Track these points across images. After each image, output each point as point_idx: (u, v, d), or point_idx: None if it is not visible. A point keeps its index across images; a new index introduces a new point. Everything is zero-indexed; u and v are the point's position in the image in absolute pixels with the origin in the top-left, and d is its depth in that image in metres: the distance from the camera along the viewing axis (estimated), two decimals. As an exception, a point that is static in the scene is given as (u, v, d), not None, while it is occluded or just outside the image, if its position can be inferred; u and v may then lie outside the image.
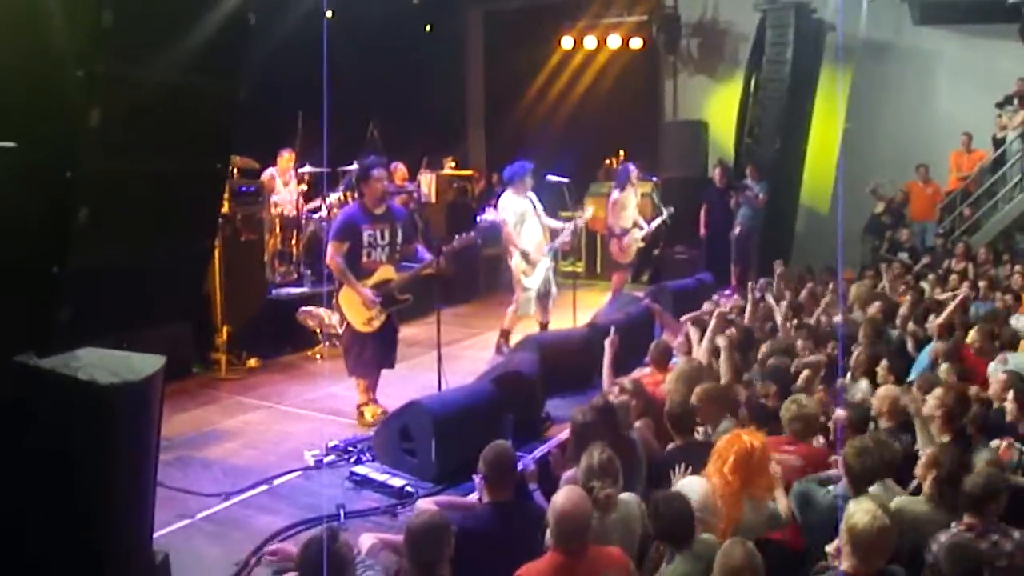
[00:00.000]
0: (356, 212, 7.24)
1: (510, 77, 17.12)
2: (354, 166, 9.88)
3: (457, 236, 7.75)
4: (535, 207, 9.47)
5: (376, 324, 7.15)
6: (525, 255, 9.32)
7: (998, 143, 14.14)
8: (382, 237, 7.20)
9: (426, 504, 4.75)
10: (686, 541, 4.03)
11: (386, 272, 7.19)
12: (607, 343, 7.06)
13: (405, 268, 7.35)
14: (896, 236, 14.10)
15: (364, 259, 7.12)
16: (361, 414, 7.31)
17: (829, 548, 3.98)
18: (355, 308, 7.12)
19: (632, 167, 11.38)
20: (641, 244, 11.44)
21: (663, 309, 9.26)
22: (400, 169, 12.48)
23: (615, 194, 11.28)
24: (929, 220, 14.50)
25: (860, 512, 3.70)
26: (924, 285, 10.24)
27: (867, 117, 14.64)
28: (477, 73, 18.78)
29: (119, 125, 3.08)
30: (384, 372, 7.45)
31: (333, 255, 7.04)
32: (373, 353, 7.30)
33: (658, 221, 11.60)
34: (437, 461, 5.87)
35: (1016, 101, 13.80)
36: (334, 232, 7.18)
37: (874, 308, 8.47)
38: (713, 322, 7.21)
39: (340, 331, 7.55)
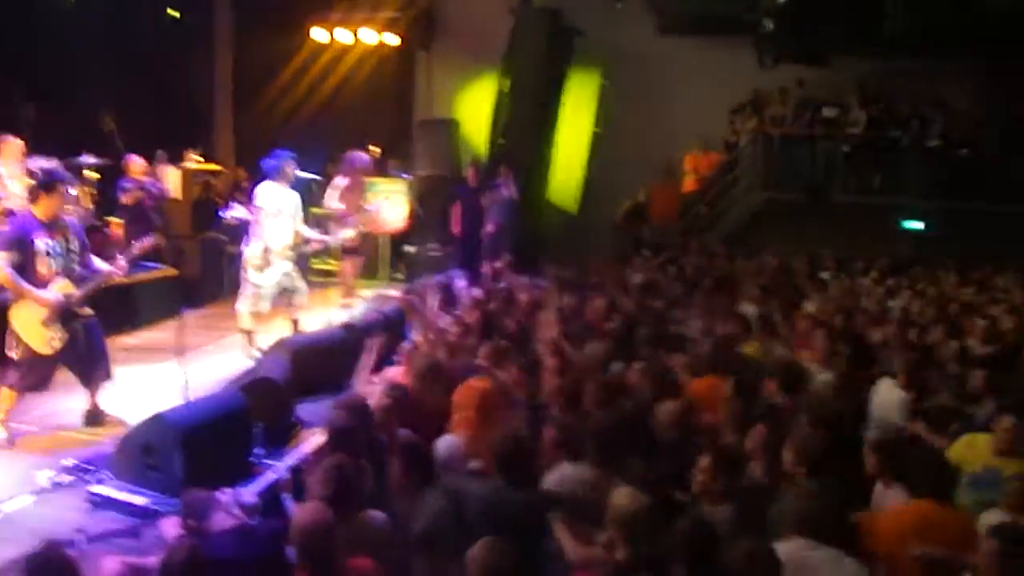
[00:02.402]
0: (28, 219, 6.60)
1: (261, 68, 16.49)
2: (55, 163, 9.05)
3: (134, 241, 7.32)
4: (296, 209, 9.19)
5: (57, 344, 6.59)
6: (266, 251, 8.99)
7: (731, 147, 15.20)
8: (58, 246, 6.60)
9: (171, 528, 4.50)
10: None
11: (64, 286, 6.60)
12: (370, 345, 6.97)
13: (83, 280, 6.78)
14: (640, 234, 14.84)
15: (39, 270, 6.49)
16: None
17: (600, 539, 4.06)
18: (33, 328, 6.51)
19: (364, 156, 11.33)
20: (364, 228, 11.22)
21: (420, 304, 9.27)
22: (136, 162, 11.69)
23: (341, 180, 11.16)
24: (670, 218, 15.33)
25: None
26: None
27: (615, 121, 15.28)
28: (226, 62, 17.89)
29: None
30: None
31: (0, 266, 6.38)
32: (41, 377, 6.79)
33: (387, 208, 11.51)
34: (183, 476, 5.58)
35: (749, 108, 14.93)
36: (1, 242, 6.48)
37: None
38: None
39: (16, 355, 6.73)
